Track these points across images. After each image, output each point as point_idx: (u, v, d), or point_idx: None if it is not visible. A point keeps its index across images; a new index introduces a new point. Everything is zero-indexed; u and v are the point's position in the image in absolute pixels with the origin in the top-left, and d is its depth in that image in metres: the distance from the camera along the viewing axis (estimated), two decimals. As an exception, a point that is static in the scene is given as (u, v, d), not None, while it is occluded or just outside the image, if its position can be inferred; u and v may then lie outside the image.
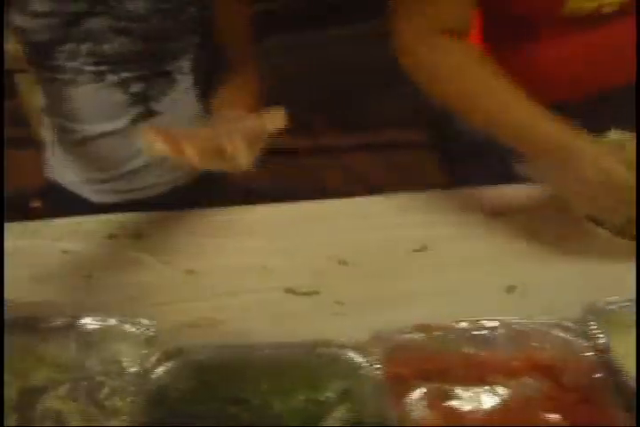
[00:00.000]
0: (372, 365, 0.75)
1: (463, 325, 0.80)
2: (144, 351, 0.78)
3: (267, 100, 1.08)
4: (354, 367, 0.76)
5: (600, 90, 1.09)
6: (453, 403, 0.74)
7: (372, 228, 1.02)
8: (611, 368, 0.75)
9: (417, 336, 0.78)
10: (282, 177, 2.12)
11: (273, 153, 0.91)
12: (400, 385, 0.74)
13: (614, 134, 0.99)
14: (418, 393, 0.74)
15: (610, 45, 1.03)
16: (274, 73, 1.27)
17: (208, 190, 1.21)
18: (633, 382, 0.72)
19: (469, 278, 0.91)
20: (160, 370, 0.76)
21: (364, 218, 1.05)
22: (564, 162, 0.87)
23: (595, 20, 0.98)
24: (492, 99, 0.93)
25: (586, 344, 0.78)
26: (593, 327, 0.79)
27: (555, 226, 0.99)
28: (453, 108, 0.98)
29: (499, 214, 1.03)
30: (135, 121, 1.10)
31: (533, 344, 0.79)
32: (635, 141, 0.94)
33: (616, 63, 1.05)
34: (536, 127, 0.90)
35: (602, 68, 1.05)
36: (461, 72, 0.94)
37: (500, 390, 0.75)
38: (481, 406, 0.73)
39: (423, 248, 0.98)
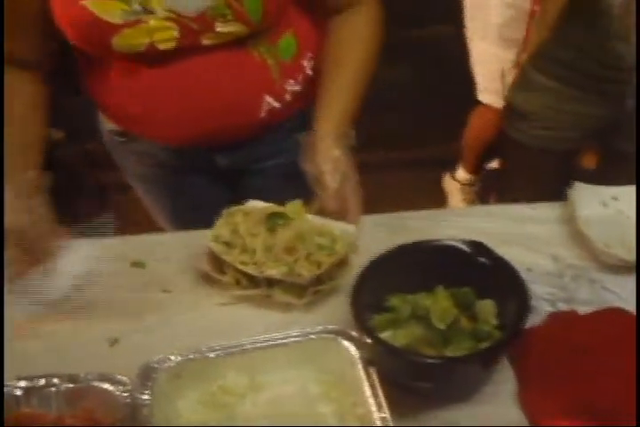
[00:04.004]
0: None
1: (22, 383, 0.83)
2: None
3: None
4: None
5: (215, 133, 1.09)
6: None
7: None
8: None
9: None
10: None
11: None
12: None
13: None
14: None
15: (194, 83, 1.03)
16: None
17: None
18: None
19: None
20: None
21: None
22: None
23: (167, 56, 0.99)
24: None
25: (139, 402, 0.81)
26: (147, 385, 0.82)
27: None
28: None
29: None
30: None
31: (87, 402, 0.82)
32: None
33: (209, 102, 1.04)
34: None
35: (192, 105, 1.05)
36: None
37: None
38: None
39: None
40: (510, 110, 1.46)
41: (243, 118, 1.09)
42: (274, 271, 0.96)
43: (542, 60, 1.38)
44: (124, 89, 1.05)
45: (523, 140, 1.45)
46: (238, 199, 1.08)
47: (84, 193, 2.27)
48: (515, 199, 1.23)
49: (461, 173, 2.29)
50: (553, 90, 1.36)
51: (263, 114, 1.10)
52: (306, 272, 0.96)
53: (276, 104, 1.10)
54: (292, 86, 1.10)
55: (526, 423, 0.84)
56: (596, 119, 1.38)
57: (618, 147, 1.42)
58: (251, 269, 0.97)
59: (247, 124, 1.11)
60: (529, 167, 1.49)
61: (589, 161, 1.67)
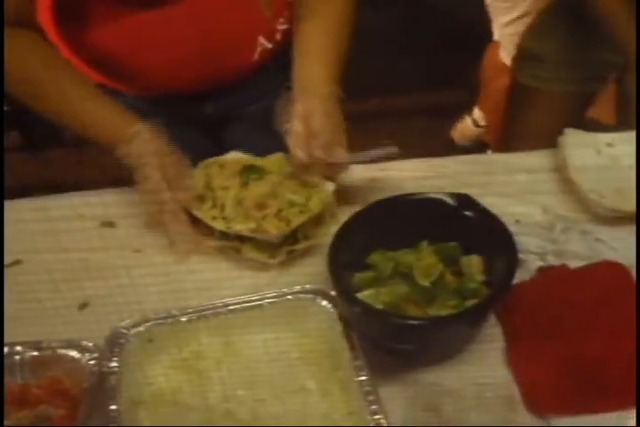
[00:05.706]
0: None
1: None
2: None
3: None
4: None
5: (212, 76, 1.06)
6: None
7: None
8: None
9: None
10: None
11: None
12: None
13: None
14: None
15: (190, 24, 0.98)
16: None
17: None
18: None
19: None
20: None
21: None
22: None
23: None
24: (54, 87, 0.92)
25: (107, 369, 0.78)
26: (115, 351, 0.79)
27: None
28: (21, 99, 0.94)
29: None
30: None
31: (53, 371, 0.79)
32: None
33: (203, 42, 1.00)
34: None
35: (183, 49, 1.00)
36: (22, 60, 0.92)
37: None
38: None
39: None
40: (524, 56, 1.40)
41: (237, 61, 1.06)
42: (241, 227, 0.91)
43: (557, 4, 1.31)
44: (113, 36, 0.99)
45: (536, 86, 1.39)
46: (223, 150, 1.03)
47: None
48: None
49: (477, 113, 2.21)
50: (569, 33, 1.30)
51: (256, 56, 1.07)
52: (273, 229, 0.90)
53: (269, 45, 1.07)
54: (282, 25, 1.06)
55: (514, 383, 0.80)
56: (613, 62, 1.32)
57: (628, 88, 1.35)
58: (219, 224, 0.91)
59: (240, 67, 1.08)
60: (542, 113, 1.43)
61: (600, 113, 1.61)
